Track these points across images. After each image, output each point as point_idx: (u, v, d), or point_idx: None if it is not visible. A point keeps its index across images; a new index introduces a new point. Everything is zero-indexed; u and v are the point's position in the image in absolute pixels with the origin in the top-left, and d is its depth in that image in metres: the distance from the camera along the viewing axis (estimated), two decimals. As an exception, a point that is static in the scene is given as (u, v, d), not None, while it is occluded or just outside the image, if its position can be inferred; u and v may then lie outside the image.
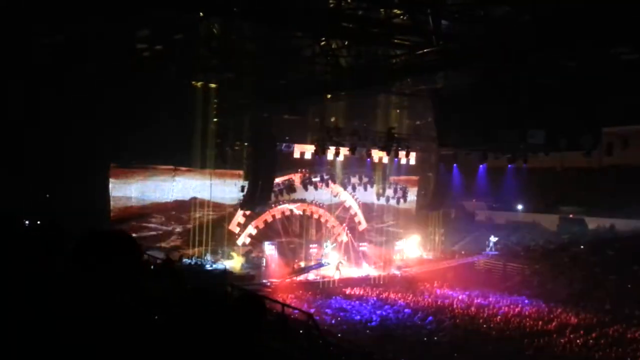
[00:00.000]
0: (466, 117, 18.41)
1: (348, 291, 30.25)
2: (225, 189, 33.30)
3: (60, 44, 17.22)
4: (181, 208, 32.66)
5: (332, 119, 30.32)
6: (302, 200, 35.40)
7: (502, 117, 17.32)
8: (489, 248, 34.98)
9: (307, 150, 33.13)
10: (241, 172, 33.20)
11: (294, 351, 11.24)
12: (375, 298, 28.67)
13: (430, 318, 24.74)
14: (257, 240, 33.92)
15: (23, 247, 2.79)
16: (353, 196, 37.28)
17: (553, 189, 35.43)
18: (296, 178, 34.64)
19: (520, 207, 37.83)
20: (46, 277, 2.65)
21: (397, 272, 34.68)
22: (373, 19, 15.60)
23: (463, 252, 35.85)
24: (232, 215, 33.53)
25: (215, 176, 32.61)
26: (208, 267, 29.19)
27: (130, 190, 31.44)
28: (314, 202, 35.66)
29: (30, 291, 2.51)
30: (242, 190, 32.35)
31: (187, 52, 20.33)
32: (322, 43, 18.94)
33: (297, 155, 33.56)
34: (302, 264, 33.40)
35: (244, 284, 23.76)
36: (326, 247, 34.20)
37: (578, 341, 21.95)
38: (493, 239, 35.11)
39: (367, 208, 38.16)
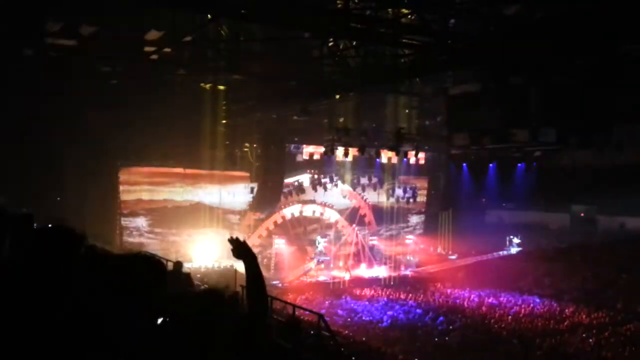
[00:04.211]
0: (476, 116, 18.33)
1: (358, 292, 30.21)
2: (236, 191, 33.27)
3: (70, 45, 17.29)
4: (190, 211, 32.62)
5: (341, 120, 30.27)
6: (312, 201, 35.40)
7: (512, 115, 17.23)
8: (511, 246, 35.05)
9: (316, 151, 33.14)
10: (248, 173, 33.14)
11: (305, 352, 11.22)
12: (386, 298, 28.62)
13: (441, 318, 24.65)
14: (267, 242, 33.96)
15: (36, 248, 2.78)
16: (362, 196, 37.24)
17: (564, 188, 35.23)
18: (305, 179, 34.64)
19: (531, 206, 37.65)
20: (60, 280, 2.65)
21: (408, 273, 34.61)
22: (381, 18, 15.55)
23: (474, 252, 35.72)
24: (241, 218, 33.62)
25: (224, 180, 32.54)
26: (217, 268, 29.31)
27: (140, 194, 31.51)
28: (323, 202, 35.64)
29: (46, 293, 2.51)
30: (252, 192, 32.42)
31: (196, 54, 20.35)
32: (330, 44, 18.91)
33: (306, 156, 33.57)
34: (302, 269, 33.42)
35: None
36: (319, 243, 34.22)
37: (590, 340, 21.82)
38: (516, 239, 35.15)
39: (376, 208, 38.09)
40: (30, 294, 2.48)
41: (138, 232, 31.17)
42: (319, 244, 34.14)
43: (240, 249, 3.58)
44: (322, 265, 33.76)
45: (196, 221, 31.91)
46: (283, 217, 34.47)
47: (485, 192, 38.54)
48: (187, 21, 15.60)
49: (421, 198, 39.66)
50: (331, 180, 34.78)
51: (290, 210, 34.72)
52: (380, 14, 15.11)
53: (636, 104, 21.85)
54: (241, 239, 3.72)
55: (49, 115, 21.72)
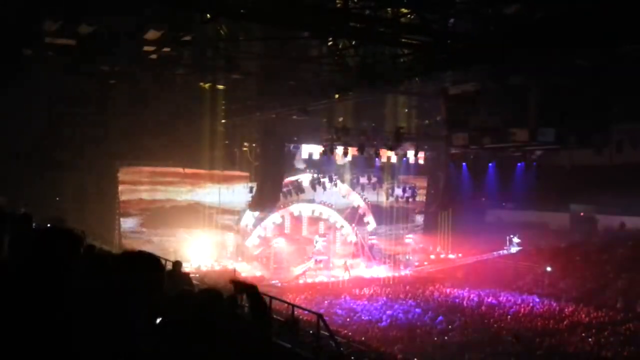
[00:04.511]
0: (476, 115, 18.33)
1: (357, 291, 30.18)
2: (235, 191, 33.25)
3: (69, 45, 17.25)
4: (189, 211, 32.55)
5: (340, 119, 30.26)
6: (311, 201, 35.39)
7: (512, 115, 17.24)
8: (511, 245, 35.13)
9: (315, 151, 33.11)
10: (247, 173, 33.11)
11: (304, 352, 11.23)
12: (385, 298, 28.59)
13: (440, 318, 24.64)
14: (266, 241, 33.98)
15: (35, 248, 2.77)
16: (362, 196, 37.22)
17: (563, 187, 35.25)
18: (304, 178, 34.62)
19: (530, 205, 37.64)
20: (60, 280, 2.64)
21: (407, 272, 34.62)
22: (380, 18, 15.53)
23: (473, 251, 35.72)
24: (241, 217, 33.63)
25: (223, 180, 32.49)
26: (216, 268, 29.34)
27: (139, 194, 31.49)
28: (322, 202, 35.63)
29: (50, 296, 2.51)
30: (251, 191, 32.40)
31: (195, 53, 20.33)
32: (330, 43, 18.89)
33: (305, 155, 33.54)
34: (301, 268, 33.43)
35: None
36: (317, 242, 34.24)
37: (590, 340, 21.82)
38: (516, 239, 35.22)
39: (376, 208, 38.08)
40: (30, 294, 2.47)
41: (137, 232, 31.16)
42: (317, 243, 34.15)
43: (240, 286, 3.92)
44: (321, 265, 33.79)
45: (195, 221, 31.90)
46: (282, 217, 34.46)
47: (484, 192, 38.52)
48: (186, 21, 15.58)
49: (420, 197, 39.63)
50: (330, 180, 34.74)
51: (290, 210, 34.72)
52: (379, 13, 15.10)
53: (636, 104, 21.87)
54: (240, 279, 4.12)
55: (49, 115, 21.71)
